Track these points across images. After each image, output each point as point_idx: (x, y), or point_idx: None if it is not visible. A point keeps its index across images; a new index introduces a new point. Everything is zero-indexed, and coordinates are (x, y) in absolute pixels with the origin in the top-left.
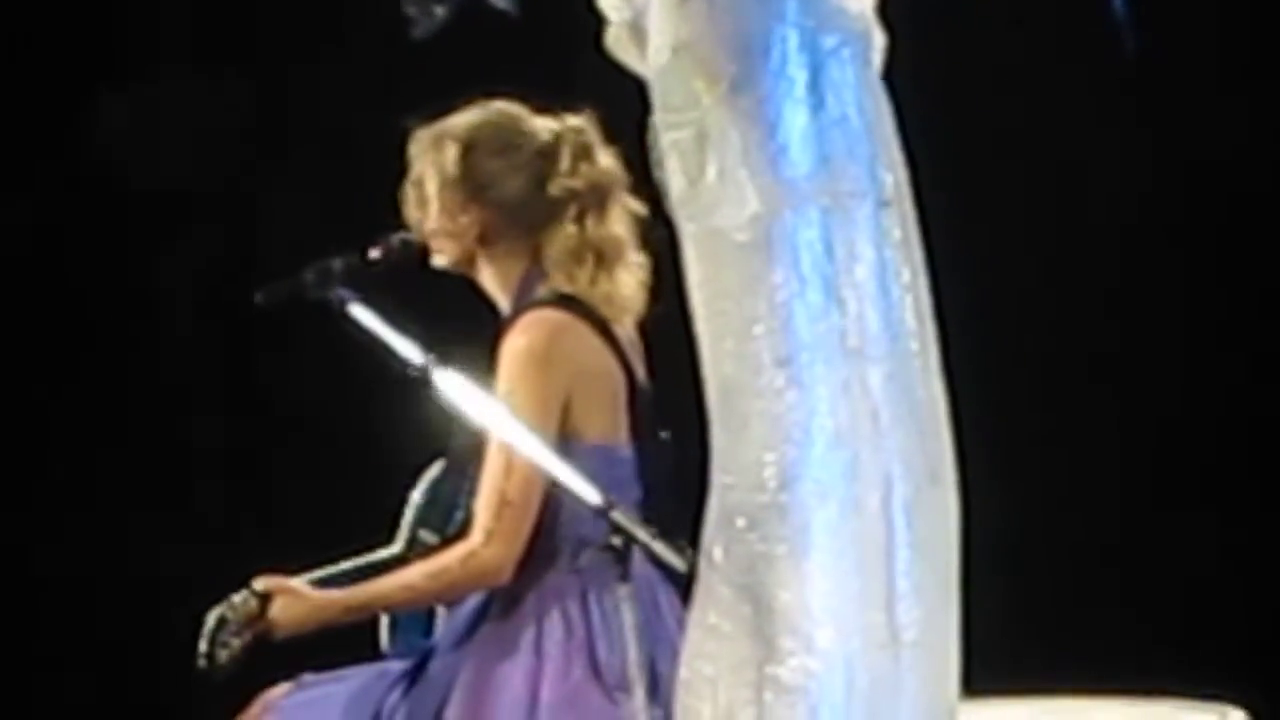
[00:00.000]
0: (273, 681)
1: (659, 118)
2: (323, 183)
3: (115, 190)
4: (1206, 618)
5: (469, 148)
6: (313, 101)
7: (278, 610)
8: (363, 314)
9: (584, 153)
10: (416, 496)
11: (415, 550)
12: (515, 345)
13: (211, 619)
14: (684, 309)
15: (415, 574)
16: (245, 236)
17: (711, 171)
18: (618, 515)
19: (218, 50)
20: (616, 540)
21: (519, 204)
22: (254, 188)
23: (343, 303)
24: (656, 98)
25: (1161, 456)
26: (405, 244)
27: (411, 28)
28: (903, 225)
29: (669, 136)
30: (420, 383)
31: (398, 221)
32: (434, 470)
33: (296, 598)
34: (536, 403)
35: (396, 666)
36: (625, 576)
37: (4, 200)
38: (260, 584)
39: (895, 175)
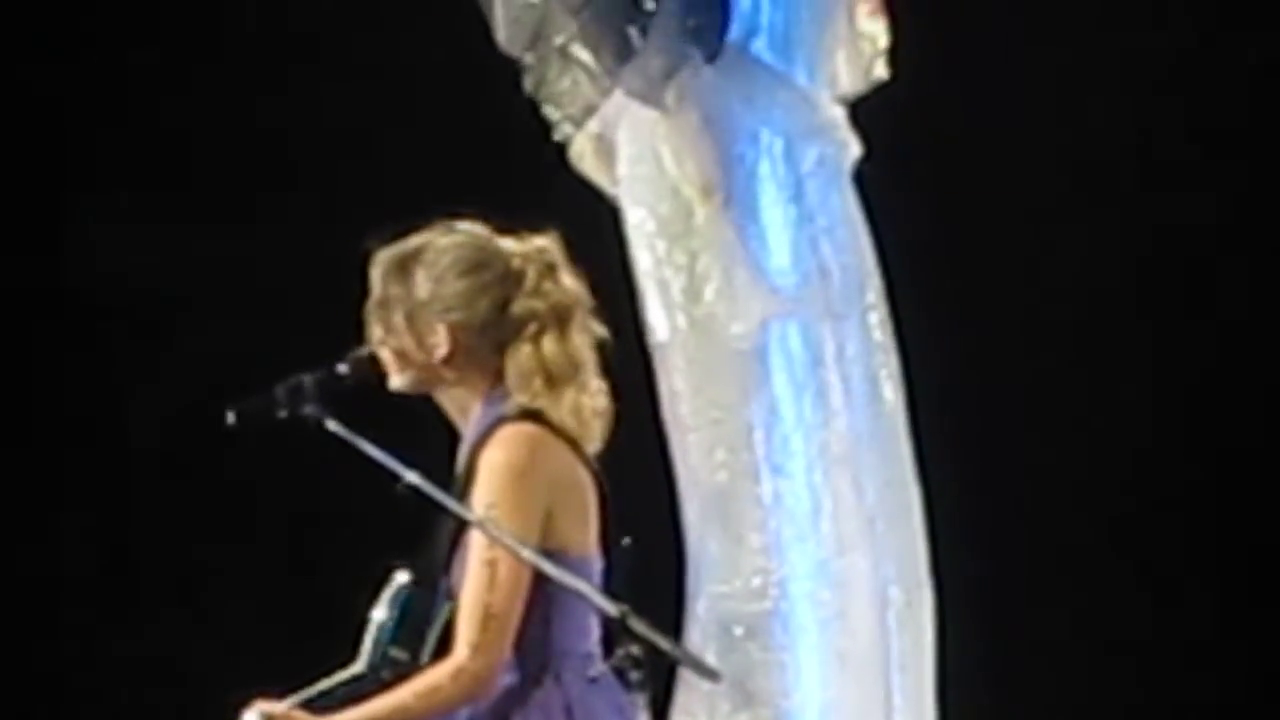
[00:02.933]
0: None
1: (642, 232)
2: (290, 296)
3: (84, 303)
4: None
5: (437, 271)
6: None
7: None
8: (340, 430)
9: (548, 272)
10: (381, 614)
11: (387, 669)
12: (494, 459)
13: None
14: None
15: (407, 694)
16: (215, 353)
17: (710, 288)
18: (637, 624)
19: (182, 170)
20: (635, 649)
21: (485, 325)
22: (223, 303)
23: (319, 419)
24: (637, 212)
25: (1143, 552)
26: (370, 359)
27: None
28: (883, 330)
29: (657, 248)
30: (400, 498)
31: (360, 338)
32: (396, 587)
33: None
34: (520, 516)
35: None
36: (644, 685)
37: None
38: (265, 709)
39: (875, 280)
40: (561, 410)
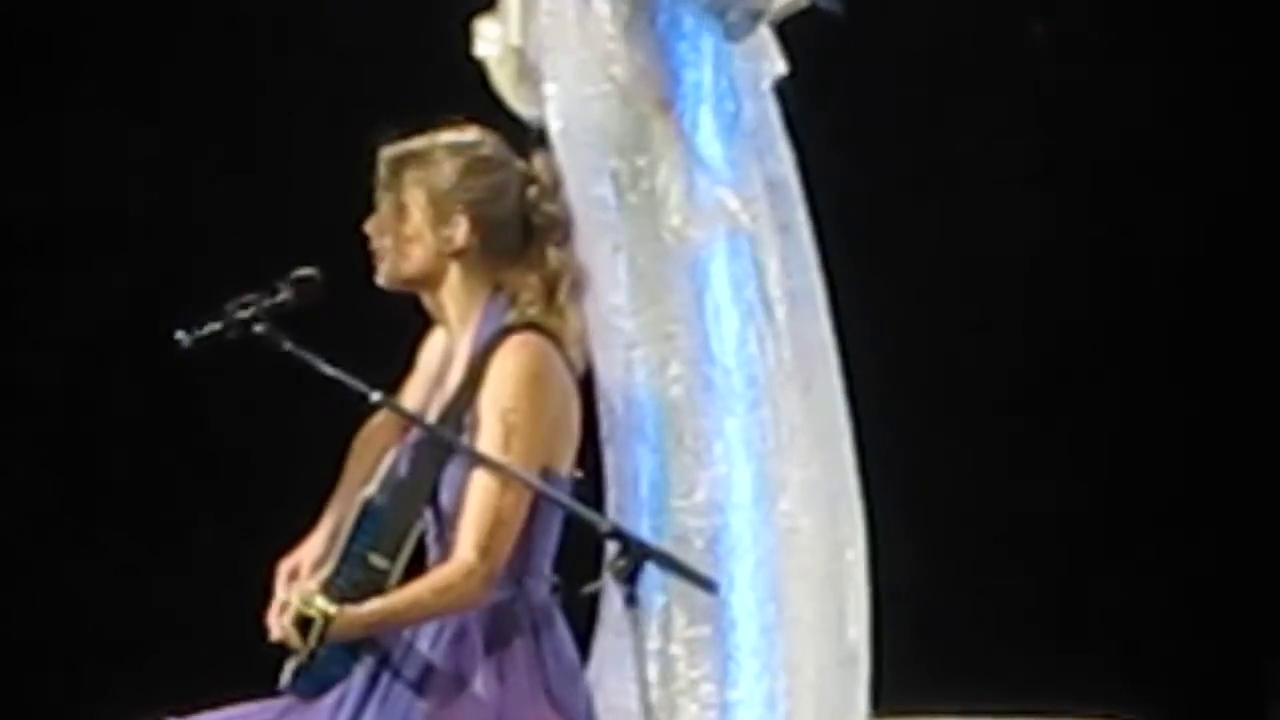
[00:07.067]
0: None
1: (587, 150)
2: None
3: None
4: (1117, 639)
5: (464, 161)
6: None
7: None
8: (296, 350)
9: (557, 184)
10: (353, 523)
11: (360, 575)
12: (511, 365)
13: (321, 619)
14: None
15: (422, 590)
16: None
17: (671, 202)
18: (632, 538)
19: (145, 81)
20: (623, 563)
21: (503, 224)
22: (179, 217)
23: (275, 342)
24: (580, 130)
25: (1076, 479)
26: (308, 280)
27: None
28: (813, 249)
29: (604, 166)
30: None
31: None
32: (369, 497)
33: None
34: (536, 423)
35: (308, 705)
36: (634, 600)
37: None
38: (303, 589)
39: (800, 194)
40: (560, 322)
